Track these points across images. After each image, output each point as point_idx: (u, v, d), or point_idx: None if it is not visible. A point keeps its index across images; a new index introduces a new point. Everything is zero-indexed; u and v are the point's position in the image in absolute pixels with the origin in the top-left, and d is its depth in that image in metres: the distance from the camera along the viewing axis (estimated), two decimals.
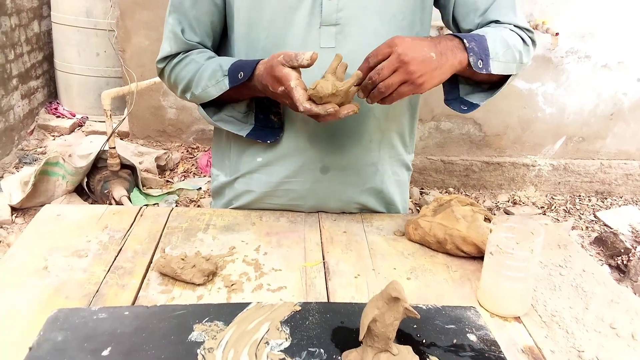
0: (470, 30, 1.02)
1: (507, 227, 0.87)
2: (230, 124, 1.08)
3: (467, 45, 0.91)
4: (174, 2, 1.04)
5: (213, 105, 1.08)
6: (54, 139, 3.60)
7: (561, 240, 1.11)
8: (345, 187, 1.12)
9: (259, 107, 1.06)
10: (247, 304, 0.82)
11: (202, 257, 0.93)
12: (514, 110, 3.34)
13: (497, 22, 1.01)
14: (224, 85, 0.99)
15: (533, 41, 1.03)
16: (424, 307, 0.84)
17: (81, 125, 3.79)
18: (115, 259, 0.96)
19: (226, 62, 1.00)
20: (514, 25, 1.01)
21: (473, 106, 1.02)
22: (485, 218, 1.03)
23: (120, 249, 0.99)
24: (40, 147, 3.49)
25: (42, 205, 2.77)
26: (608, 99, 3.37)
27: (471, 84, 1.03)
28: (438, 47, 0.88)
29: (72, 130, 3.71)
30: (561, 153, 3.51)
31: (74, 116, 3.85)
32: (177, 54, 1.06)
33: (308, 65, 0.87)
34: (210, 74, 1.01)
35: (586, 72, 3.28)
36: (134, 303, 0.85)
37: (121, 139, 3.49)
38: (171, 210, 1.14)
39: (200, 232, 1.06)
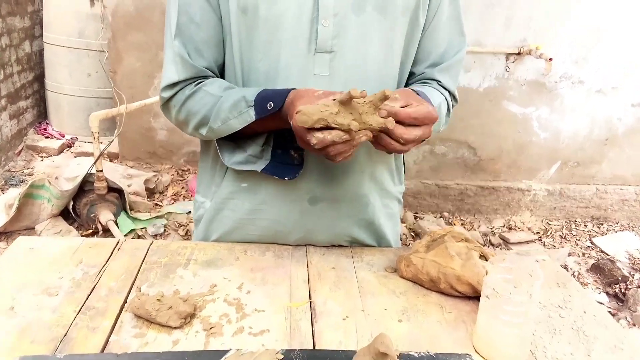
0: (413, 74, 1.07)
1: (503, 268, 0.82)
2: (245, 163, 1.01)
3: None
4: (180, 24, 0.97)
5: (228, 140, 1.01)
6: (41, 160, 3.54)
7: (560, 278, 1.06)
8: (335, 219, 1.07)
9: (277, 142, 0.99)
10: (226, 351, 0.76)
11: (179, 297, 0.88)
12: (508, 135, 3.32)
13: (439, 82, 1.05)
14: (249, 117, 0.91)
15: (451, 110, 1.10)
16: (416, 355, 0.78)
17: (70, 146, 3.73)
18: (87, 298, 0.90)
19: (250, 92, 0.93)
20: (450, 93, 1.07)
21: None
22: (480, 255, 0.98)
23: (94, 287, 0.93)
24: (28, 169, 3.42)
25: (26, 229, 2.72)
26: (603, 124, 3.36)
27: None
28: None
29: (60, 151, 3.65)
30: (556, 178, 3.48)
31: (63, 137, 3.80)
32: (185, 82, 0.98)
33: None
34: (232, 105, 0.93)
35: (580, 97, 3.27)
36: (104, 348, 0.79)
37: (111, 160, 3.43)
38: (151, 244, 1.08)
39: (180, 268, 1.01)
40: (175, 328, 0.84)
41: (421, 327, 0.88)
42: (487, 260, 0.97)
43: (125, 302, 0.90)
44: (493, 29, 3.02)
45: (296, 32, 0.94)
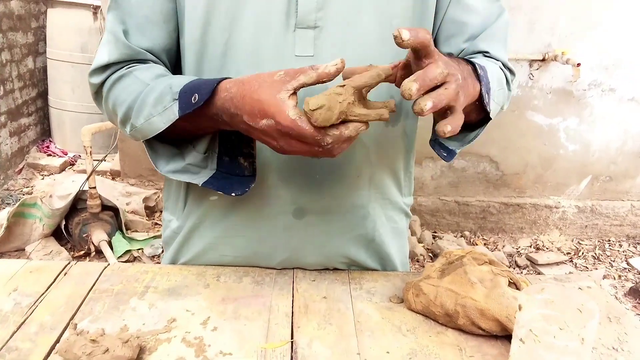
0: (450, 55, 0.83)
1: (542, 301, 0.61)
2: (185, 173, 0.79)
3: (480, 73, 0.72)
4: None
5: (163, 144, 0.80)
6: (42, 179, 3.42)
7: (612, 311, 0.84)
8: (326, 236, 0.87)
9: (223, 147, 0.78)
10: None
11: (120, 337, 0.68)
12: (533, 147, 3.08)
13: (486, 54, 0.83)
14: (172, 114, 0.70)
15: (511, 86, 0.89)
16: None
17: (72, 164, 3.62)
18: (11, 337, 0.72)
19: (178, 81, 0.73)
20: (502, 64, 0.86)
21: (451, 153, 0.81)
22: (509, 282, 0.77)
23: (23, 322, 0.75)
24: (27, 187, 3.31)
25: (17, 251, 2.58)
26: (636, 135, 3.10)
27: None
28: (461, 68, 0.68)
29: (62, 169, 3.53)
30: (587, 194, 3.22)
31: (66, 154, 3.69)
32: (118, 64, 0.80)
33: (336, 72, 0.61)
34: (156, 99, 0.72)
35: (611, 106, 3.03)
36: None
37: (113, 178, 3.30)
38: (105, 268, 0.89)
39: (134, 298, 0.82)
40: None
41: None
42: (518, 289, 0.76)
43: (57, 341, 0.71)
44: (515, 34, 2.81)
45: (270, 5, 0.75)
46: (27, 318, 0.76)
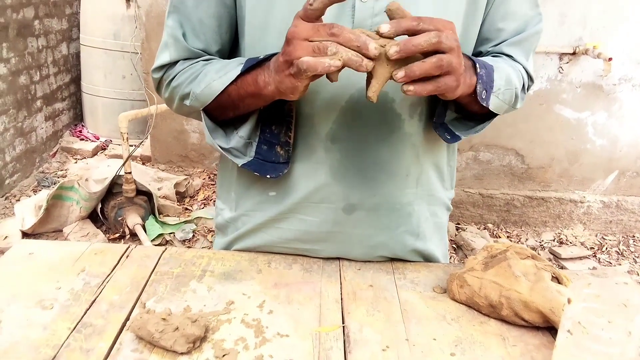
0: (480, 54, 0.90)
1: (590, 296, 0.65)
2: (227, 151, 0.87)
3: (478, 71, 0.76)
4: (174, 1, 0.86)
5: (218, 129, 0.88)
6: (75, 162, 3.52)
7: None
8: (373, 230, 0.91)
9: (263, 135, 0.86)
10: None
11: (188, 317, 0.74)
12: (560, 141, 3.07)
13: (509, 57, 0.88)
14: (234, 74, 0.78)
15: (528, 89, 0.94)
16: None
17: (104, 149, 3.71)
18: (85, 314, 0.77)
19: (241, 58, 0.82)
20: (523, 68, 0.91)
21: (455, 137, 0.85)
22: (552, 276, 0.80)
23: (94, 301, 0.81)
24: (61, 170, 3.40)
25: (54, 232, 2.67)
26: None
27: (458, 112, 0.88)
28: (465, 63, 0.72)
29: (94, 153, 3.63)
30: (613, 189, 3.20)
31: (98, 139, 3.78)
32: (177, 62, 0.88)
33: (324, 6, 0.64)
34: (222, 67, 0.81)
35: None
36: None
37: (143, 163, 3.38)
38: (163, 252, 0.95)
39: (193, 281, 0.87)
40: (181, 354, 0.70)
41: None
42: (560, 283, 0.79)
43: (127, 319, 0.77)
44: (545, 27, 2.78)
45: (327, 10, 0.79)
46: (97, 297, 0.81)
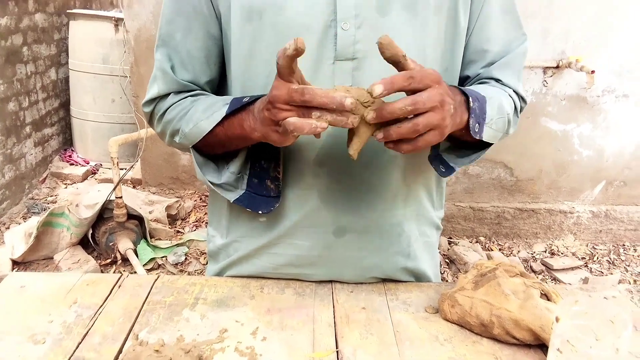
0: (468, 77, 0.91)
1: (577, 313, 0.66)
2: (219, 186, 0.89)
3: (471, 105, 0.77)
4: (163, 34, 0.88)
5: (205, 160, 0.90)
6: (65, 188, 3.50)
7: (638, 319, 0.88)
8: (364, 252, 0.92)
9: (253, 170, 0.87)
10: None
11: (181, 347, 0.74)
12: (547, 153, 3.11)
13: (498, 80, 0.89)
14: (220, 115, 0.80)
15: (521, 111, 0.94)
16: None
17: (94, 173, 3.70)
18: (77, 347, 0.77)
19: (227, 97, 0.84)
20: (514, 91, 0.91)
21: (449, 169, 0.85)
22: (541, 293, 0.81)
23: (86, 333, 0.80)
24: (51, 196, 3.39)
25: (45, 259, 2.65)
26: None
27: (451, 141, 0.88)
28: (455, 101, 0.74)
29: (84, 178, 3.61)
30: (601, 199, 3.24)
31: (88, 163, 3.77)
32: (168, 95, 0.89)
33: (296, 55, 0.65)
34: (208, 106, 0.83)
35: (625, 112, 3.05)
36: None
37: (134, 186, 3.37)
38: (155, 280, 0.95)
39: (186, 309, 0.87)
40: None
41: None
42: (549, 300, 0.80)
43: (120, 352, 0.77)
44: (529, 42, 2.85)
45: (311, 39, 0.80)
46: (89, 329, 0.81)
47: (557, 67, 2.89)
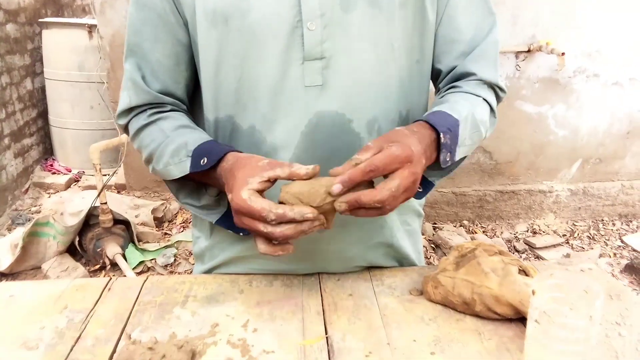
0: (440, 72, 0.92)
1: (553, 286, 0.69)
2: (200, 209, 0.91)
3: (442, 141, 0.78)
4: (131, 44, 0.88)
5: (182, 183, 0.91)
6: (49, 197, 3.47)
7: (612, 289, 0.92)
8: (348, 245, 0.94)
9: None
10: None
11: (174, 343, 0.76)
12: (524, 136, 3.18)
13: (474, 75, 0.89)
14: (185, 167, 0.83)
15: (498, 102, 0.93)
16: None
17: (77, 181, 3.67)
18: (71, 350, 0.78)
19: (193, 140, 0.84)
20: (490, 86, 0.91)
21: (428, 185, 0.88)
22: (519, 270, 0.85)
23: (79, 337, 0.82)
24: (35, 206, 3.36)
25: (33, 269, 2.63)
26: (622, 117, 3.20)
27: None
28: (427, 151, 0.76)
29: (68, 186, 3.59)
30: (579, 177, 3.32)
31: (70, 172, 3.74)
32: (140, 107, 0.89)
33: (306, 176, 0.71)
34: (174, 151, 0.84)
35: (596, 91, 3.12)
36: None
37: (118, 192, 3.36)
38: (145, 281, 0.97)
39: (177, 307, 0.89)
40: None
41: None
42: (527, 275, 0.84)
43: (114, 352, 0.78)
44: (500, 28, 2.89)
45: (278, 42, 0.81)
46: (81, 333, 0.82)
47: (529, 51, 2.95)
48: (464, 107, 0.84)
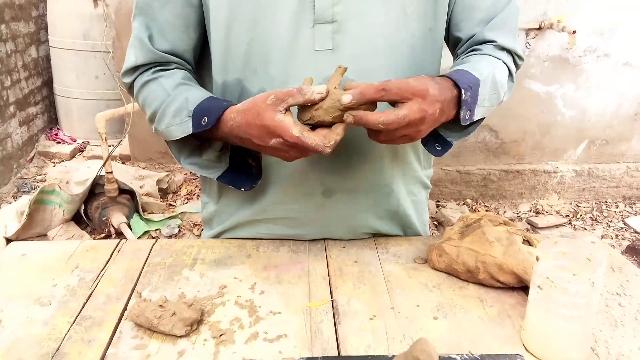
0: (460, 40, 0.91)
1: (557, 253, 0.70)
2: (202, 167, 0.90)
3: (463, 97, 0.78)
4: (140, 2, 0.87)
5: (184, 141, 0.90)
6: (54, 166, 3.49)
7: (614, 262, 0.94)
8: (354, 212, 0.95)
9: (236, 147, 0.89)
10: None
11: (184, 302, 0.77)
12: (531, 115, 3.16)
13: (493, 41, 0.88)
14: (187, 128, 0.82)
15: (517, 69, 0.94)
16: (459, 358, 0.67)
17: (82, 151, 3.68)
18: (83, 307, 0.81)
19: (194, 98, 0.83)
20: (509, 52, 0.90)
21: (446, 145, 0.87)
22: (523, 240, 0.86)
23: (90, 294, 0.84)
24: (40, 175, 3.38)
25: (39, 236, 2.66)
26: (631, 98, 3.17)
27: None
28: (444, 102, 0.75)
29: (72, 156, 3.60)
30: (584, 158, 3.31)
31: (75, 141, 3.75)
32: (145, 66, 0.89)
33: (321, 100, 0.71)
34: (175, 111, 0.83)
35: (606, 72, 3.09)
36: None
37: (123, 162, 3.37)
38: (154, 244, 0.98)
39: (186, 269, 0.91)
40: (180, 337, 0.74)
41: (461, 325, 0.77)
42: (531, 246, 0.85)
43: (124, 309, 0.80)
44: None
45: (289, 4, 0.81)
46: (92, 291, 0.84)
47: (540, 28, 2.91)
48: (486, 67, 0.84)
